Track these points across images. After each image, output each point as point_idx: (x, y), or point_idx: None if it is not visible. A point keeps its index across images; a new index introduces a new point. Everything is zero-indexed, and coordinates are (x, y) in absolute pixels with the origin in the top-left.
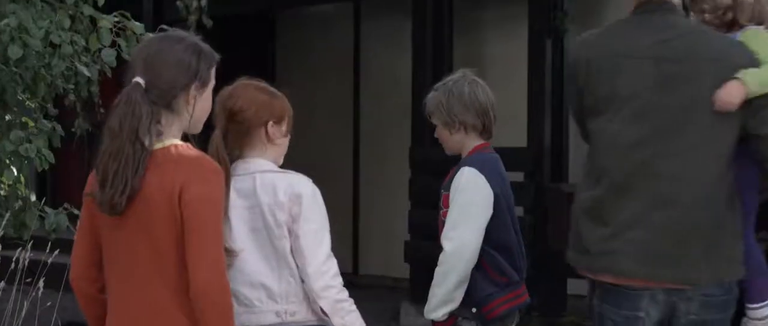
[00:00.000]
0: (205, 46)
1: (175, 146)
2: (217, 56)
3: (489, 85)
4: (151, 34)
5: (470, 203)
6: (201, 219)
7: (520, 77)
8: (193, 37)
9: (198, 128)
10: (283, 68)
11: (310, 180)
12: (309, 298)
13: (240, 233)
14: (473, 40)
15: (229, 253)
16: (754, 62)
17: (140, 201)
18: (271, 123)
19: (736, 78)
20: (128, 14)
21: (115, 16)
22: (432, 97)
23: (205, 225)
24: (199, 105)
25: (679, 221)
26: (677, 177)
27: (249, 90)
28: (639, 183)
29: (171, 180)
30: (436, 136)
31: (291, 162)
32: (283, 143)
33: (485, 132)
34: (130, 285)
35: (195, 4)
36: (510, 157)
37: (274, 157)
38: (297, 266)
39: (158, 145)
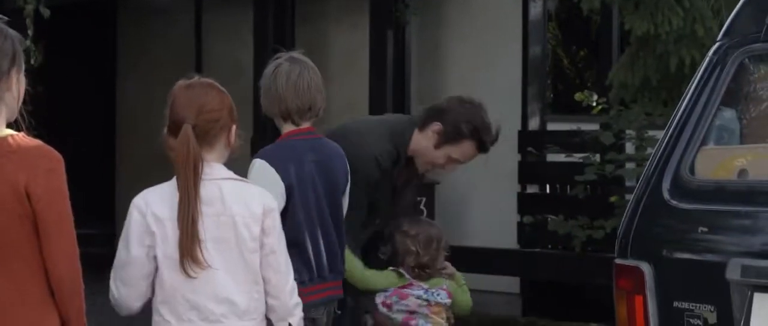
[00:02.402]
0: (11, 29)
1: (12, 137)
2: (22, 38)
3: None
4: None
5: None
6: (57, 212)
7: (362, 68)
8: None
9: (16, 114)
10: (124, 58)
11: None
12: (265, 317)
13: (203, 242)
14: (315, 30)
15: (199, 264)
16: None
17: None
18: (234, 127)
19: None
20: None
21: None
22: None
23: (61, 218)
24: (22, 90)
25: None
26: None
27: (215, 90)
28: None
29: (14, 173)
30: None
31: (132, 154)
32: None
33: (292, 118)
34: None
35: None
36: None
37: (224, 162)
38: (264, 281)
39: None
